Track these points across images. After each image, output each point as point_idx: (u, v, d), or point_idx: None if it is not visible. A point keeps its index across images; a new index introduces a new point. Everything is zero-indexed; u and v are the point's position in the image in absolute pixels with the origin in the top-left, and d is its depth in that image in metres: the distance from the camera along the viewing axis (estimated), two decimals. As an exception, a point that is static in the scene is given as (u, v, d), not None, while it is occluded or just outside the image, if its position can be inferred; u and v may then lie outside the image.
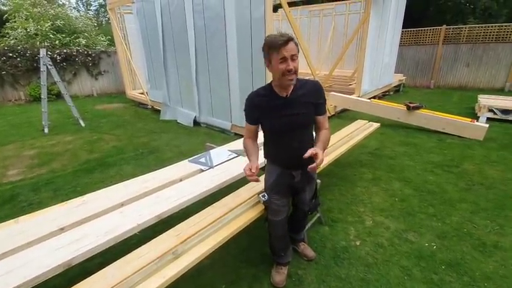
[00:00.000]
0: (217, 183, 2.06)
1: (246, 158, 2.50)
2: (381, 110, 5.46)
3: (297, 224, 2.06)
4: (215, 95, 5.21)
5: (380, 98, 8.20)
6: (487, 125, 4.48)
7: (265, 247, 2.19)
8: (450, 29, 9.56)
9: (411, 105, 5.00)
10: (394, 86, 9.09)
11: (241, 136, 4.04)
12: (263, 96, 1.53)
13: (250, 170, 1.49)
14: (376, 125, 3.71)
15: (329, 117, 6.10)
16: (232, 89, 4.77)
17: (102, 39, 12.37)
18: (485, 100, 5.84)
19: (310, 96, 1.54)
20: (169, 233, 1.56)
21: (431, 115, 4.90)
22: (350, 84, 7.95)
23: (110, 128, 5.70)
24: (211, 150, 2.71)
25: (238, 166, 2.32)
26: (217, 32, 4.65)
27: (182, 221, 1.68)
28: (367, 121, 3.81)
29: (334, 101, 6.06)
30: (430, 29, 9.85)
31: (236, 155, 2.57)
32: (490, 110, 5.52)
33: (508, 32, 8.61)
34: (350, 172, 3.47)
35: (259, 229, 2.34)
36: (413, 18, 13.37)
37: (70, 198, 1.92)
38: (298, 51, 1.40)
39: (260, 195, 1.75)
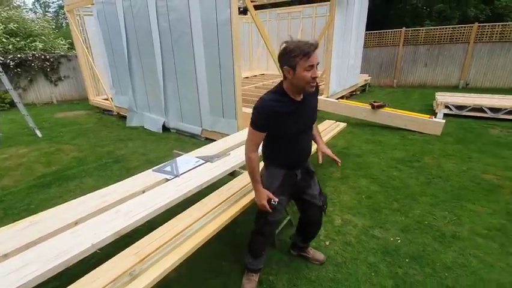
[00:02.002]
0: (183, 193, 1.98)
1: (215, 164, 2.50)
2: (348, 110, 5.64)
3: (315, 227, 1.95)
4: (184, 100, 5.07)
5: (347, 97, 8.50)
6: (444, 121, 4.79)
7: (236, 254, 2.14)
8: (409, 31, 10.16)
9: (376, 104, 5.22)
10: (360, 86, 9.47)
11: (211, 140, 3.96)
12: (280, 102, 1.45)
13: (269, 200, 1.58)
14: (343, 124, 3.81)
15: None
16: (201, 93, 4.67)
17: (62, 42, 11.64)
18: (442, 97, 6.26)
19: (315, 96, 1.62)
20: (128, 251, 1.47)
21: (394, 113, 5.15)
22: (319, 85, 8.14)
23: (70, 138, 5.34)
24: (177, 158, 2.61)
25: (206, 173, 2.26)
26: (183, 35, 4.54)
27: (148, 234, 1.60)
28: (334, 121, 3.91)
29: (304, 102, 6.16)
30: (391, 32, 10.40)
31: (204, 161, 2.50)
32: (446, 107, 5.92)
33: (460, 33, 9.32)
34: (320, 172, 3.53)
35: (230, 235, 2.30)
36: (375, 22, 14.04)
37: (23, 218, 1.74)
38: None
39: (272, 202, 1.62)
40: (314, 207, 1.84)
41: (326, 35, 6.68)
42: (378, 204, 2.78)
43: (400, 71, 10.59)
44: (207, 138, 4.84)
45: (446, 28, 9.63)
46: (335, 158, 1.76)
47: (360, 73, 9.86)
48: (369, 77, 9.99)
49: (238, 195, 2.08)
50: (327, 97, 6.86)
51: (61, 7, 22.54)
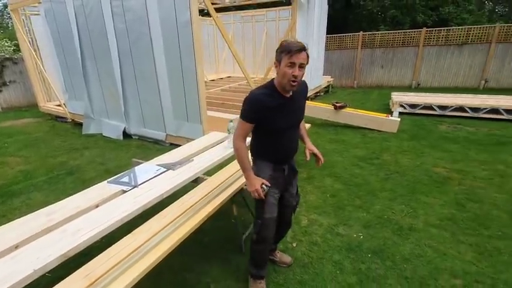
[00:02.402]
0: (142, 205, 1.85)
1: (177, 171, 2.39)
2: (313, 111, 5.80)
3: (287, 226, 2.00)
4: (145, 104, 4.84)
5: (312, 98, 8.75)
6: (399, 119, 5.12)
7: (202, 264, 2.07)
8: (366, 35, 10.77)
9: (338, 104, 5.43)
10: (324, 87, 9.82)
11: (177, 146, 3.80)
12: (269, 96, 1.53)
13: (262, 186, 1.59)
14: (307, 126, 3.89)
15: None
16: (164, 96, 4.50)
17: (7, 44, 10.58)
18: (397, 97, 6.70)
19: (303, 94, 1.72)
20: (77, 274, 1.33)
21: (355, 113, 5.40)
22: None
23: (17, 149, 4.83)
24: (136, 167, 2.46)
25: (168, 182, 2.15)
26: (142, 36, 4.34)
27: (102, 253, 1.47)
28: (299, 123, 3.98)
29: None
30: (350, 35, 10.94)
31: (165, 169, 2.39)
32: (401, 105, 6.34)
33: (410, 37, 10.08)
34: (287, 173, 3.56)
35: (196, 245, 2.22)
36: (335, 26, 14.70)
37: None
38: (307, 63, 1.48)
39: (263, 186, 1.61)
40: (289, 206, 1.89)
41: (289, 38, 6.83)
42: (342, 202, 2.87)
43: (360, 73, 11.17)
44: (172, 144, 4.67)
45: (398, 32, 10.36)
46: (320, 156, 1.87)
47: (323, 75, 10.22)
48: (332, 79, 10.39)
49: (201, 203, 2.01)
50: (293, 99, 7.01)
51: (6, 6, 20.50)
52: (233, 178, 2.37)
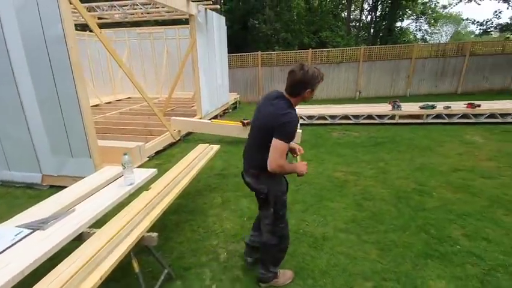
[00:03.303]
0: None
1: (50, 230, 1.80)
2: (222, 129, 5.73)
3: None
4: (7, 140, 3.75)
5: (221, 116, 8.77)
6: (301, 130, 5.57)
7: None
8: (264, 54, 11.65)
9: (245, 121, 5.52)
10: (232, 104, 10.02)
11: (60, 188, 2.90)
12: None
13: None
14: (216, 147, 3.74)
15: (174, 143, 5.88)
16: (34, 130, 3.57)
17: None
18: (297, 110, 7.35)
19: None
20: None
21: (262, 128, 5.59)
22: (192, 106, 8.03)
23: None
24: (-18, 234, 1.75)
25: (34, 249, 1.59)
26: (-6, 55, 3.37)
27: None
28: (208, 144, 3.79)
29: (176, 125, 5.83)
30: (250, 54, 11.62)
31: (30, 230, 1.77)
32: (301, 117, 6.98)
33: (300, 56, 11.42)
34: (201, 201, 3.30)
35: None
36: (237, 45, 15.47)
37: None
38: None
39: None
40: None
41: (192, 57, 6.66)
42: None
43: (263, 89, 11.94)
44: (52, 186, 3.73)
45: (290, 52, 11.65)
46: (300, 148, 2.04)
47: (230, 92, 10.45)
48: (238, 95, 10.72)
49: (86, 270, 1.54)
50: (201, 118, 6.81)
51: None
52: (132, 224, 1.95)
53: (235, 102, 10.39)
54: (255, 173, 1.85)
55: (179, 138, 5.99)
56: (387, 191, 3.38)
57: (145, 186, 2.44)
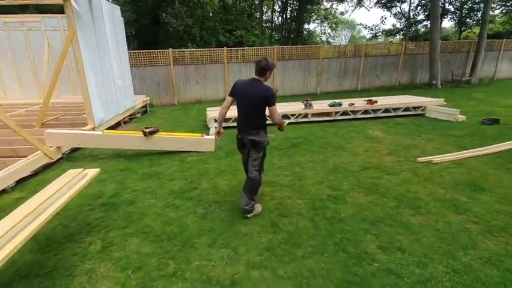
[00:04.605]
0: None
1: None
2: (119, 141, 4.69)
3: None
4: None
5: (126, 122, 7.51)
6: (213, 137, 4.99)
7: None
8: (176, 52, 10.63)
9: (147, 130, 4.63)
10: (141, 107, 8.76)
11: None
12: None
13: None
14: (94, 171, 2.82)
15: (51, 164, 4.52)
16: None
17: None
18: (211, 112, 6.75)
19: None
20: None
21: (168, 137, 4.80)
22: (84, 113, 6.55)
23: None
24: None
25: None
26: None
27: None
28: (81, 169, 2.84)
29: (52, 140, 4.48)
30: (160, 51, 10.43)
31: None
32: (216, 121, 6.40)
33: (217, 55, 10.85)
34: (69, 252, 2.37)
35: None
36: (146, 42, 13.88)
37: None
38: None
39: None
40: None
41: (73, 53, 5.30)
42: (149, 276, 2.08)
43: (178, 89, 10.92)
44: None
45: (205, 50, 10.94)
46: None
47: (137, 94, 9.14)
48: (148, 97, 9.46)
49: None
50: (94, 128, 5.52)
51: None
52: None
53: (145, 105, 9.13)
54: (256, 132, 2.71)
55: (60, 156, 4.66)
56: (304, 202, 3.10)
57: None
